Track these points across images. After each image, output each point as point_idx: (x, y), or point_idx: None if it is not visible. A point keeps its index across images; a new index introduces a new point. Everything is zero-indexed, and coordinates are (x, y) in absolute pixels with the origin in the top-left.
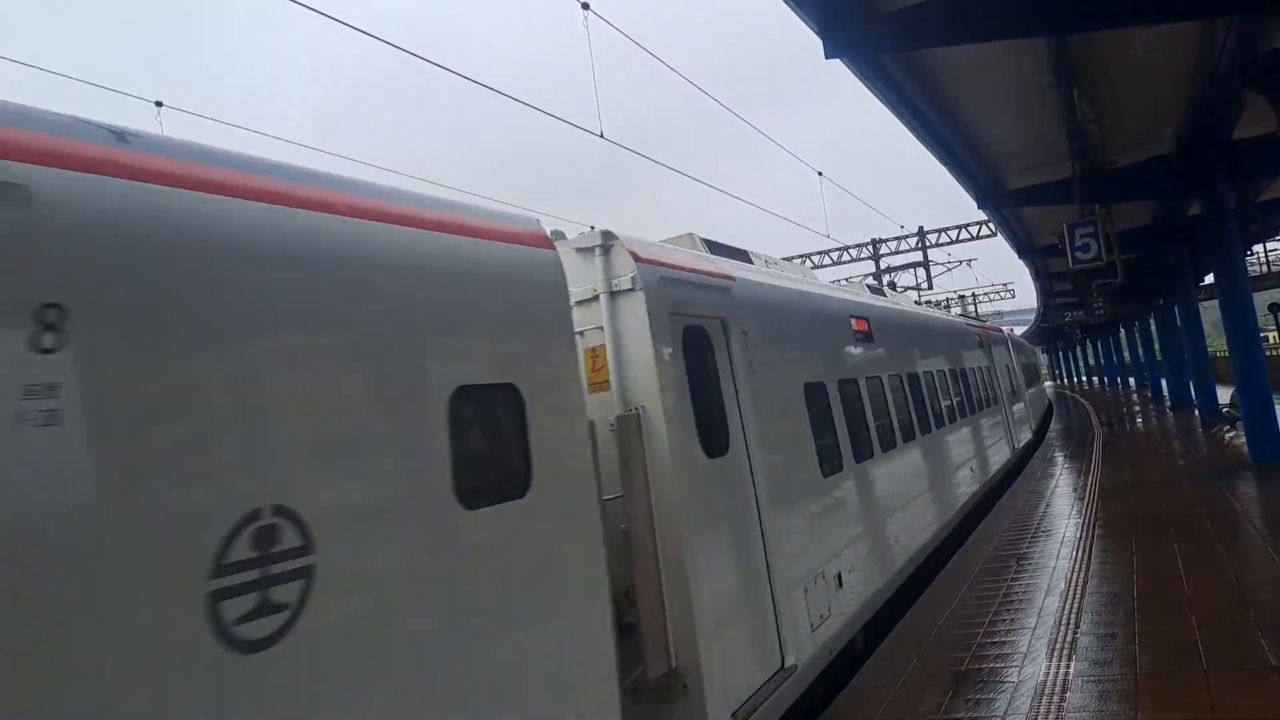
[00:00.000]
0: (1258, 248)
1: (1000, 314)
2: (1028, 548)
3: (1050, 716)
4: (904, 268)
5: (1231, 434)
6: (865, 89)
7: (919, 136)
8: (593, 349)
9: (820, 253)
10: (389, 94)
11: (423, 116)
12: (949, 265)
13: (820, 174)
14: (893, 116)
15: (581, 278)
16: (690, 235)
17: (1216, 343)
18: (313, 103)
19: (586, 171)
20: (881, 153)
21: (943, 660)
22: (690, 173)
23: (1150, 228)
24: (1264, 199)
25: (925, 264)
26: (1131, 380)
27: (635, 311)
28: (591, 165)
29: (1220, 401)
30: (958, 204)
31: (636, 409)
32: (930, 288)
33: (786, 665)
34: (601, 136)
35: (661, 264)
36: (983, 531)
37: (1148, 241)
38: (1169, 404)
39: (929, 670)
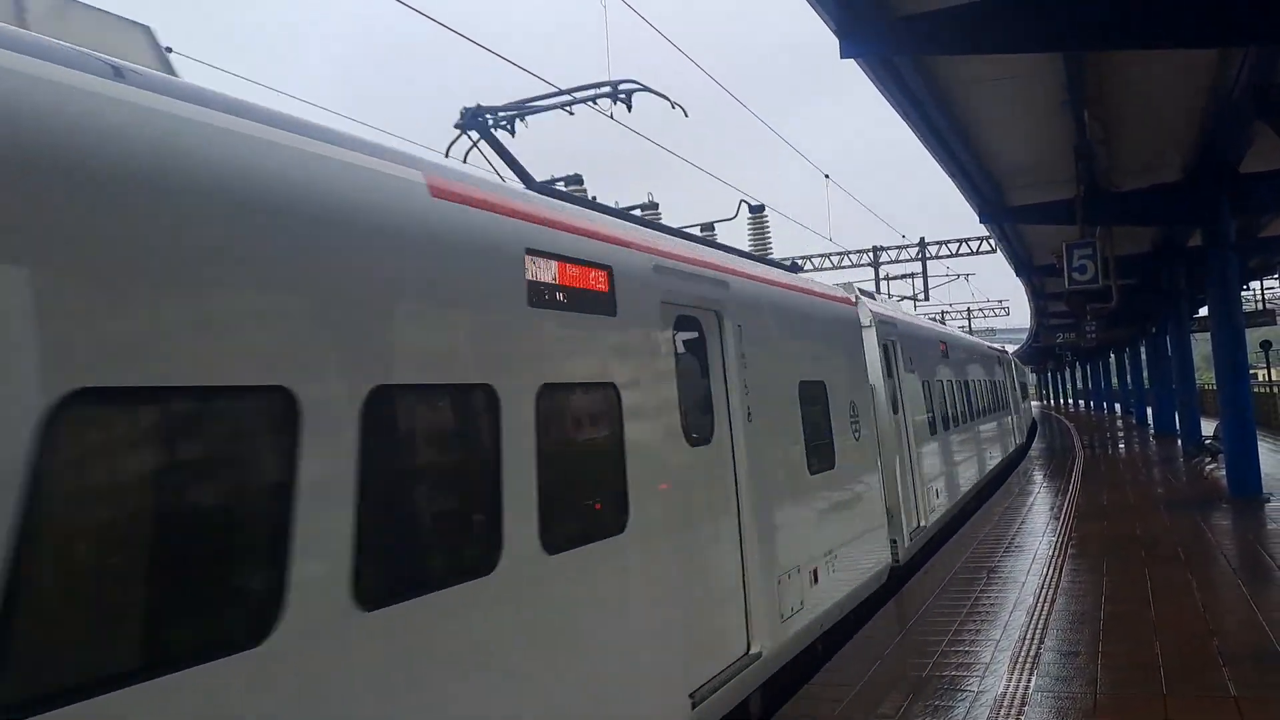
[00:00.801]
0: (1254, 284)
1: (993, 331)
2: (999, 561)
3: None
4: (902, 277)
5: (1212, 465)
6: (877, 94)
7: (927, 144)
8: None
9: (821, 255)
10: (401, 57)
11: (428, 84)
12: (947, 278)
13: (827, 176)
14: (902, 124)
15: None
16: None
17: (1204, 375)
18: (331, 62)
19: (598, 160)
20: (887, 162)
21: (905, 665)
22: (697, 163)
23: (1149, 254)
24: (1265, 235)
25: (924, 275)
26: (1117, 406)
27: None
28: (603, 153)
29: (1203, 433)
30: (958, 216)
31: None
32: (927, 299)
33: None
34: (611, 118)
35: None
36: (957, 543)
37: (1146, 268)
38: (1152, 431)
39: (891, 673)
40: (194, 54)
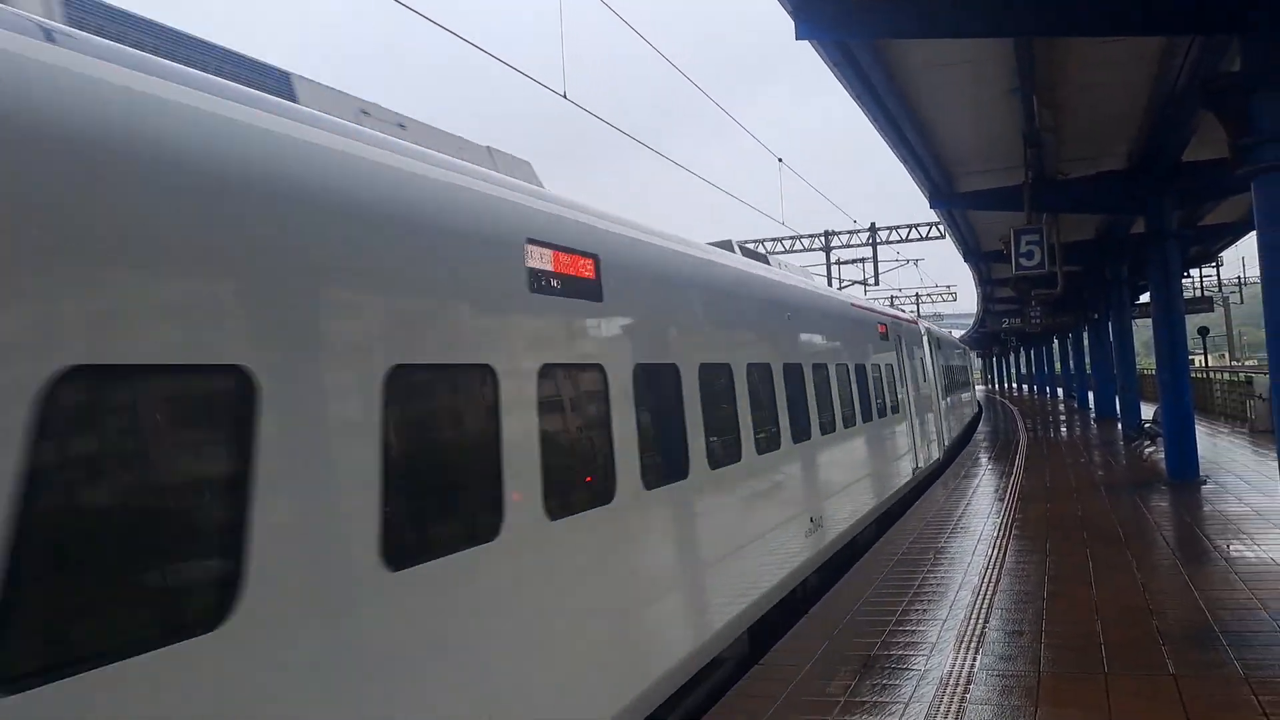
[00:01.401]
0: (1193, 271)
1: (940, 316)
2: (946, 542)
3: (953, 706)
4: (853, 261)
5: (1151, 449)
6: (830, 79)
7: (880, 129)
8: None
9: (773, 240)
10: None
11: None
12: (898, 263)
13: (780, 160)
14: (855, 110)
15: None
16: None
17: (1144, 361)
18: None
19: (545, 142)
20: (838, 148)
21: (853, 644)
22: (651, 146)
23: (1094, 241)
24: (1205, 223)
25: (874, 260)
26: (1060, 390)
27: None
28: (552, 134)
29: (1143, 417)
30: (909, 202)
31: None
32: (877, 284)
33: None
34: (565, 97)
35: None
36: (903, 525)
37: (1090, 255)
38: (1094, 415)
39: (839, 653)
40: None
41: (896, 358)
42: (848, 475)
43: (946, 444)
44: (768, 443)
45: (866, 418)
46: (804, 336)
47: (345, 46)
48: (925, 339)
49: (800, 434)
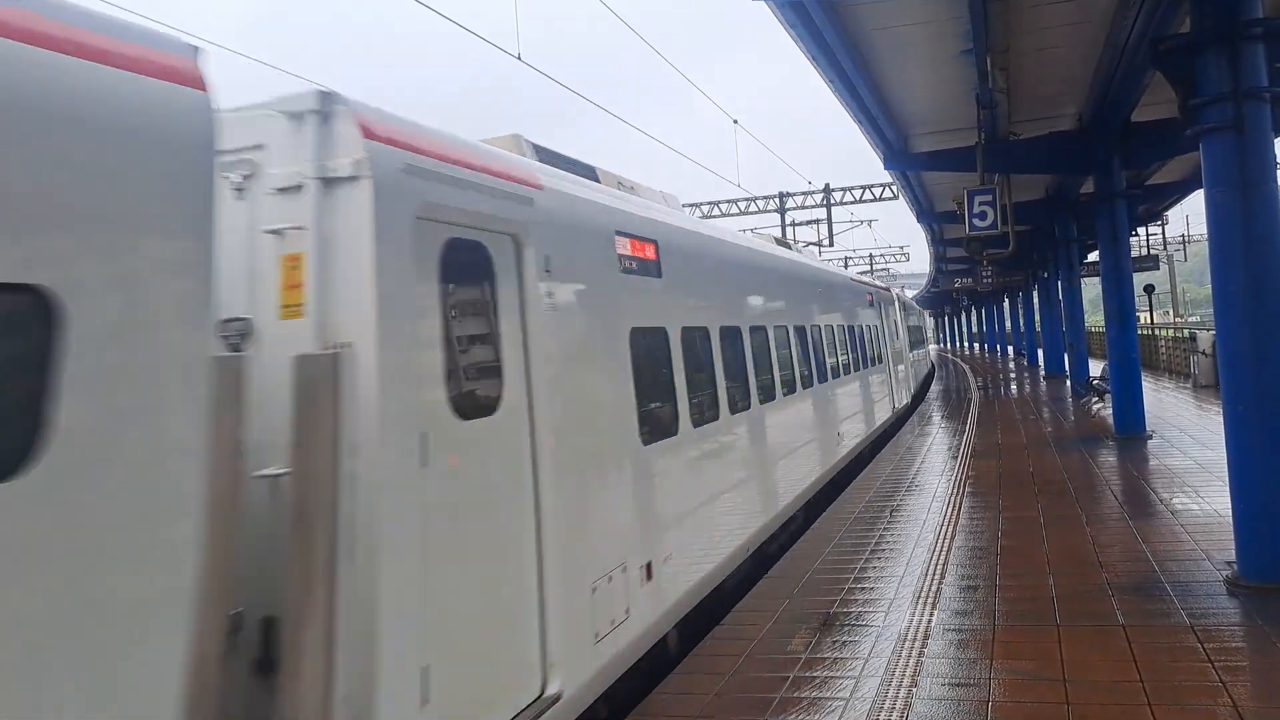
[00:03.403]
0: (1140, 230)
1: (894, 276)
2: (902, 500)
3: (911, 661)
4: (808, 223)
5: (1099, 405)
6: (786, 44)
7: (835, 90)
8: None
9: (729, 201)
10: None
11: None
12: (852, 224)
13: (736, 121)
14: (808, 71)
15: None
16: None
17: (1092, 319)
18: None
19: (496, 110)
20: (793, 113)
21: (813, 603)
22: (607, 108)
23: (1044, 201)
24: (1152, 182)
25: (829, 221)
26: (1010, 349)
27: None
28: (504, 98)
29: (1091, 374)
30: (863, 163)
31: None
32: (831, 245)
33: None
34: (519, 59)
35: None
36: (860, 483)
37: (1040, 215)
38: (1043, 373)
39: (799, 611)
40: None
41: (879, 320)
42: (852, 407)
43: (913, 390)
44: (790, 387)
45: (862, 366)
46: (823, 306)
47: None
48: (896, 304)
49: (807, 381)
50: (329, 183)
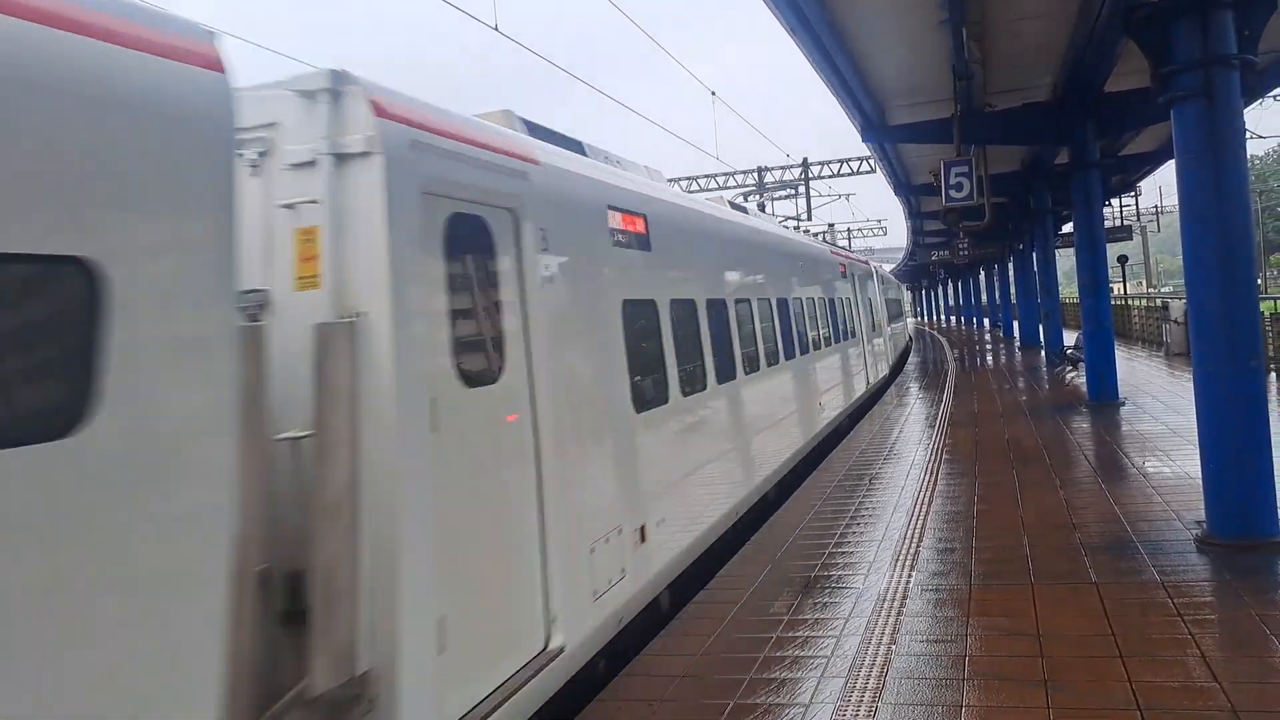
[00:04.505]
0: (1113, 201)
1: (871, 250)
2: (880, 468)
3: (890, 620)
4: (785, 197)
5: (1073, 374)
6: (765, 19)
7: (813, 62)
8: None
9: (707, 176)
10: None
11: None
12: (830, 197)
13: (714, 94)
14: (788, 44)
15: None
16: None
17: (1066, 290)
18: None
19: (472, 80)
20: (773, 87)
21: (795, 567)
22: (586, 80)
23: (1019, 173)
24: (1126, 152)
25: (807, 195)
26: (986, 320)
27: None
28: (480, 70)
29: (1065, 343)
30: (840, 137)
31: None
32: (810, 219)
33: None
34: (496, 29)
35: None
36: (840, 452)
37: (1016, 186)
38: (1019, 343)
39: (781, 575)
40: None
41: (855, 293)
42: (830, 380)
43: (891, 362)
44: (772, 358)
45: (839, 339)
46: (802, 279)
47: None
48: (875, 277)
49: (785, 354)
50: (341, 159)
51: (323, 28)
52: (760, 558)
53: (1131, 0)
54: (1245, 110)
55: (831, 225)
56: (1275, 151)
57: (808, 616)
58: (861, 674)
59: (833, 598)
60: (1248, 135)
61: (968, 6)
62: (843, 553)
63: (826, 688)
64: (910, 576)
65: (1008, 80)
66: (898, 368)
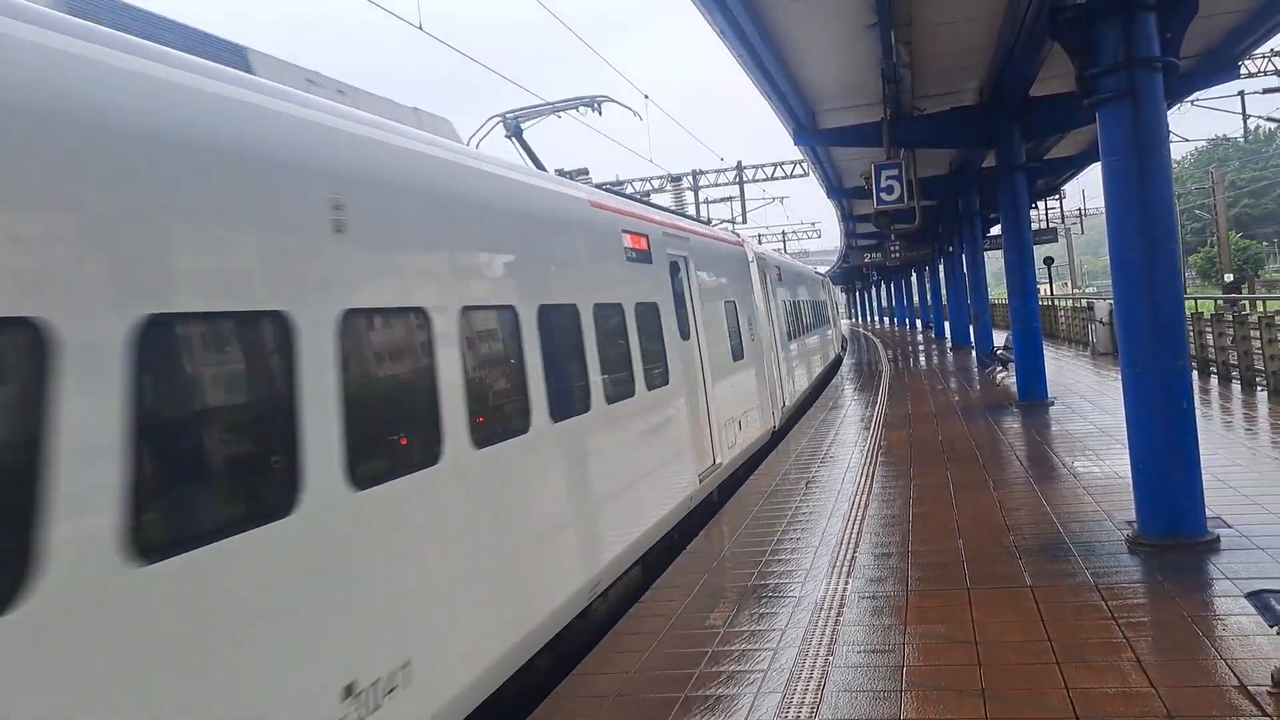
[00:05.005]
0: (1040, 203)
1: (806, 253)
2: (817, 471)
3: (828, 629)
4: (721, 200)
5: (1003, 374)
6: (694, 21)
7: (743, 64)
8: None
9: (642, 179)
10: None
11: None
12: (764, 200)
13: (647, 97)
14: (720, 47)
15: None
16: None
17: (994, 292)
18: None
19: (395, 79)
20: (704, 95)
21: (731, 576)
22: (517, 82)
23: (948, 176)
24: (1051, 156)
25: (742, 198)
26: (919, 321)
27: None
28: (403, 72)
29: (995, 344)
30: (773, 142)
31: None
32: (745, 222)
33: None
34: (420, 29)
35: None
36: (776, 457)
37: (945, 188)
38: (950, 345)
39: (718, 585)
40: None
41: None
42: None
43: (799, 393)
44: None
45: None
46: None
47: None
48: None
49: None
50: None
51: (245, 18)
52: (696, 567)
53: (1057, 2)
54: (1169, 113)
55: (767, 228)
56: (1192, 155)
57: (744, 628)
58: (799, 688)
59: (770, 608)
60: (1171, 138)
61: (896, 9)
62: (780, 560)
63: (763, 704)
64: (847, 584)
65: (936, 84)
66: (821, 384)
